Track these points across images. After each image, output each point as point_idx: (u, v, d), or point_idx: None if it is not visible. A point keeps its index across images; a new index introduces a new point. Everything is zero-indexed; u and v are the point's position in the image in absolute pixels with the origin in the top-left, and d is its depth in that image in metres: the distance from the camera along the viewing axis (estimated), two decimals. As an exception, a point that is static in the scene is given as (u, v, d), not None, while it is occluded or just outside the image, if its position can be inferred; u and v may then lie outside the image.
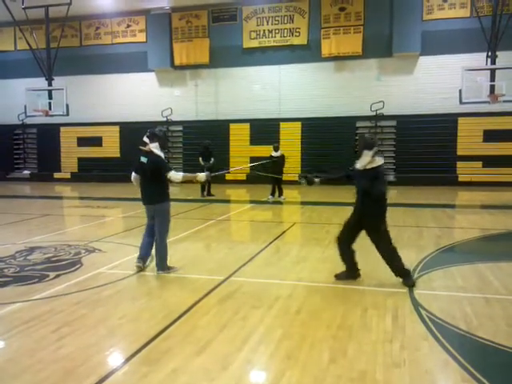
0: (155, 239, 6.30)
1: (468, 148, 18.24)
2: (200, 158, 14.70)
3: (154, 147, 6.12)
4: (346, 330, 4.29)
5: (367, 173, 5.46)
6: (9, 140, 23.49)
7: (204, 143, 15.04)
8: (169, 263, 6.34)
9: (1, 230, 9.73)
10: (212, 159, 14.73)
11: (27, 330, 4.36)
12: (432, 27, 18.41)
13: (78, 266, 6.59)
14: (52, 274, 6.17)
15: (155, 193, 6.15)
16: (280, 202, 13.63)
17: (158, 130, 6.36)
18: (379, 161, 5.53)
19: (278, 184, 13.87)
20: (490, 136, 17.92)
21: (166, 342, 4.08)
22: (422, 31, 18.33)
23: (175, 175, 6.10)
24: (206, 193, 14.84)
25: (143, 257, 6.40)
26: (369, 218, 5.59)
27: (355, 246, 5.84)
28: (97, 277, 6.13)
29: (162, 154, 6.20)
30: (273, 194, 13.94)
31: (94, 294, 5.43)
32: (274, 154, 13.77)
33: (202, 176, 6.39)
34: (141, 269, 6.32)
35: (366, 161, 5.47)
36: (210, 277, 6.04)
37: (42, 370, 3.59)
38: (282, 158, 13.78)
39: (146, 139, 6.21)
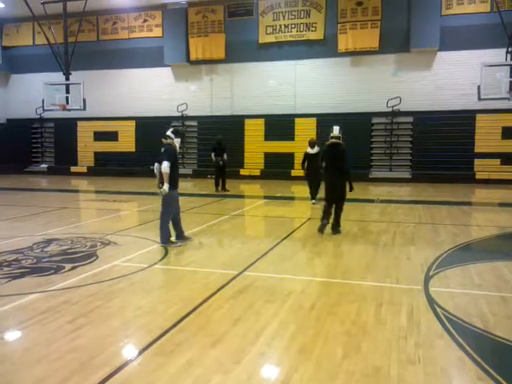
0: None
1: (486, 145, 17.96)
2: (212, 154, 14.55)
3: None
4: (360, 326, 4.27)
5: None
6: (27, 134, 23.80)
7: (217, 138, 14.90)
8: (182, 258, 6.38)
9: (19, 222, 9.88)
10: (225, 155, 14.63)
11: (43, 320, 4.42)
12: (451, 22, 18.13)
13: (93, 259, 6.66)
14: (68, 266, 6.24)
15: None
16: (291, 198, 13.52)
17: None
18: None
19: (315, 185, 12.01)
20: (509, 133, 17.60)
21: (180, 335, 4.10)
22: (440, 26, 18.06)
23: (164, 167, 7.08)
24: (220, 187, 14.80)
25: None
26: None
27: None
28: (112, 269, 6.19)
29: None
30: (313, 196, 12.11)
31: (109, 286, 5.48)
32: (309, 150, 11.86)
33: (165, 188, 7.06)
34: None
35: None
36: (223, 271, 6.05)
37: (57, 359, 3.63)
38: (319, 155, 11.95)
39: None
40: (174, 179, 7.18)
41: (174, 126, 7.78)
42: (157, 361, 3.61)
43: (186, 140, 20.94)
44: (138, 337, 4.15)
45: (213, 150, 14.65)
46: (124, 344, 4.00)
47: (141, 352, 3.79)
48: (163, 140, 7.35)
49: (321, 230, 8.31)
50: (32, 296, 5.10)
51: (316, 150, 11.65)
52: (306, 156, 11.84)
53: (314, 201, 11.95)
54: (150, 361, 3.64)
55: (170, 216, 7.40)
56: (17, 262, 6.40)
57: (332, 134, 8.57)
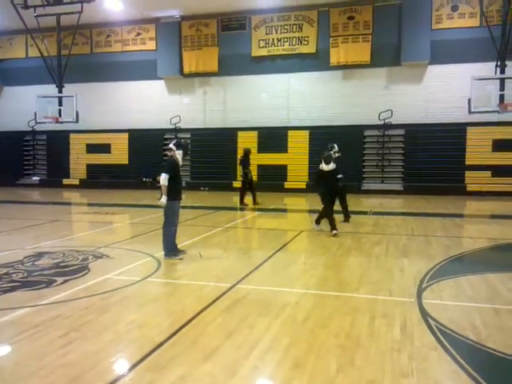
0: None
1: (477, 157, 18.14)
2: (241, 166, 14.22)
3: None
4: (353, 339, 4.26)
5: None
6: (19, 146, 23.72)
7: (245, 149, 14.71)
8: (175, 271, 6.36)
9: (10, 235, 9.79)
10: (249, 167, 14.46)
11: (35, 334, 4.37)
12: (441, 36, 18.40)
13: (85, 272, 6.60)
14: (60, 280, 6.18)
15: None
16: (284, 210, 13.48)
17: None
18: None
19: (329, 209, 9.69)
20: (499, 145, 17.80)
21: (173, 349, 4.07)
22: (430, 40, 18.32)
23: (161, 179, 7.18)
24: (245, 201, 14.39)
25: None
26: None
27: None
28: (104, 283, 6.14)
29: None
30: (318, 221, 10.06)
31: (101, 299, 5.44)
32: (324, 166, 9.63)
33: (163, 200, 7.14)
34: None
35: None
36: (217, 284, 6.03)
37: (48, 374, 3.59)
38: (335, 172, 9.80)
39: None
40: (174, 191, 7.24)
41: (177, 139, 7.95)
42: (149, 376, 3.57)
43: (189, 153, 20.91)
44: (130, 351, 4.11)
45: (241, 163, 14.27)
46: (116, 359, 3.96)
47: (132, 367, 3.75)
48: (167, 152, 7.60)
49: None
50: (23, 310, 5.05)
51: (332, 166, 9.62)
52: (320, 174, 9.72)
53: (315, 226, 10.11)
54: (141, 376, 3.60)
55: (172, 228, 7.41)
56: (7, 276, 6.33)
57: (335, 150, 10.71)
